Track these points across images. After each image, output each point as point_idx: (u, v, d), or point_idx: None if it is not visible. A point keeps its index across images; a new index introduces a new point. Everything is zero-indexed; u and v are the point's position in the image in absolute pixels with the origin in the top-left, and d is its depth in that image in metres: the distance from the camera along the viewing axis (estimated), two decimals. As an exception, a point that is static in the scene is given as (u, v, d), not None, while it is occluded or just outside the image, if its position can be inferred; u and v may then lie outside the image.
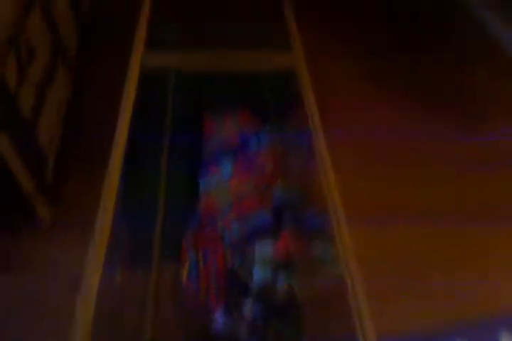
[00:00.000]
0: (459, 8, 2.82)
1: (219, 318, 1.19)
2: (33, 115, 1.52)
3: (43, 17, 1.67)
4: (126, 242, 1.20)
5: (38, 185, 1.48)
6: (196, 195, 1.46)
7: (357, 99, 2.15)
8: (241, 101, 1.73)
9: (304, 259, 1.28)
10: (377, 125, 2.04)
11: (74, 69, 1.96)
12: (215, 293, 1.24)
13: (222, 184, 1.45)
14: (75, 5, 2.06)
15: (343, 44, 2.45)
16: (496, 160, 1.96)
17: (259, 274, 1.22)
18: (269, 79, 1.71)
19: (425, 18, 2.72)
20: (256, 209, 1.41)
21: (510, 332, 1.33)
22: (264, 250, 1.27)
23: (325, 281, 1.13)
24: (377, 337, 0.91)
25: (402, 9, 2.72)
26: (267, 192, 1.49)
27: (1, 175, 1.37)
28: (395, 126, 2.05)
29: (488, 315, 1.44)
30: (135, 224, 1.29)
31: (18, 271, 1.49)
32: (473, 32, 2.66)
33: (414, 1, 2.82)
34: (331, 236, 1.04)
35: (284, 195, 1.49)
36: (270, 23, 1.67)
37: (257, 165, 1.55)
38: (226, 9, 1.87)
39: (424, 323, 1.39)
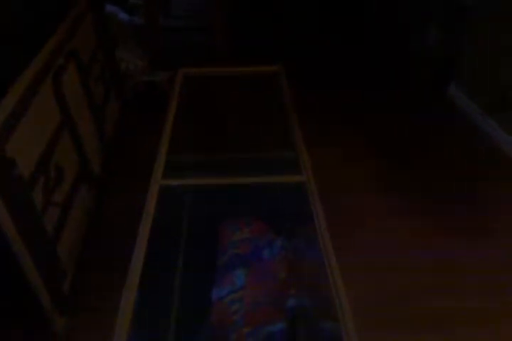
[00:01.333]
0: (458, 116, 3.00)
1: None
2: (55, 232, 1.60)
3: (70, 140, 1.84)
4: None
5: (54, 298, 1.52)
6: (209, 304, 1.48)
7: (368, 213, 2.23)
8: (254, 212, 1.82)
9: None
10: (389, 238, 2.08)
11: (96, 187, 2.09)
12: None
13: (236, 293, 1.48)
14: (99, 128, 2.25)
15: (356, 156, 2.60)
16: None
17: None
18: (281, 191, 1.80)
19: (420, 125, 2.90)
20: (269, 319, 1.42)
21: None
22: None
23: None
24: None
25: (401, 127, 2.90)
26: (280, 302, 1.50)
27: (19, 287, 1.42)
28: (402, 234, 2.09)
29: None
30: (149, 334, 1.30)
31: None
32: (471, 136, 2.80)
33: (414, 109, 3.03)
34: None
35: (297, 305, 1.50)
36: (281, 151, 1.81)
37: (270, 275, 1.58)
38: (238, 142, 2.04)
39: None
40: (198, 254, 1.74)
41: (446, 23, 3.19)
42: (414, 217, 2.19)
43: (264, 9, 4.23)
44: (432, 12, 3.33)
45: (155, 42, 3.28)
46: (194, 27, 3.65)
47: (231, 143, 2.06)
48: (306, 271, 1.58)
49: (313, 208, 1.41)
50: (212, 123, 2.32)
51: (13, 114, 1.36)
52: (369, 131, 2.81)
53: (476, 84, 2.98)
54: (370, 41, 3.77)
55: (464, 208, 2.25)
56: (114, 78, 2.70)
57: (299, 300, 1.51)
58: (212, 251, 1.72)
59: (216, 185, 1.58)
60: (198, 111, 2.21)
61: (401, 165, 2.54)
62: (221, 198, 1.73)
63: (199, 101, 2.23)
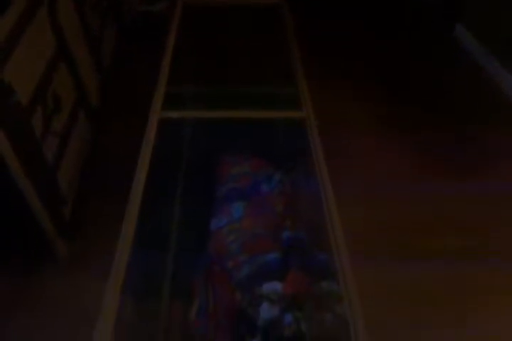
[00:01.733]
0: (460, 54, 2.94)
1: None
2: (54, 161, 1.61)
3: (67, 69, 1.80)
4: (139, 278, 1.25)
5: (56, 224, 1.56)
6: (208, 234, 1.52)
7: (366, 149, 2.23)
8: (254, 147, 1.82)
9: (311, 298, 1.31)
10: (385, 172, 2.10)
11: (94, 117, 2.07)
12: (224, 330, 1.27)
13: (233, 225, 1.51)
14: (96, 57, 2.20)
15: (354, 92, 2.57)
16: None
17: (266, 312, 1.24)
18: (281, 126, 1.80)
19: (424, 65, 2.85)
20: (265, 250, 1.46)
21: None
22: (272, 289, 1.30)
23: (332, 320, 1.16)
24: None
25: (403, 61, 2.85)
26: (276, 233, 1.54)
27: (22, 215, 1.45)
28: (401, 172, 2.11)
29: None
30: (148, 260, 1.34)
31: (31, 306, 1.53)
32: (474, 78, 2.76)
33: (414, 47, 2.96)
34: (336, 276, 1.08)
35: (292, 236, 1.54)
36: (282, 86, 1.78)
37: (267, 207, 1.61)
38: (239, 75, 2.00)
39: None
40: (197, 187, 1.76)
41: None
42: (413, 155, 2.20)
43: None
44: None
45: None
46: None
47: (231, 76, 2.02)
48: (302, 204, 1.60)
49: (312, 143, 1.41)
50: (212, 56, 2.27)
51: (8, 40, 1.33)
52: (371, 71, 2.77)
53: (481, 26, 2.90)
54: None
55: (463, 147, 2.27)
56: (111, 6, 2.61)
57: (295, 232, 1.54)
58: (210, 184, 1.73)
59: (215, 119, 1.56)
60: (198, 42, 2.15)
61: (402, 104, 2.52)
62: (220, 132, 1.72)
63: (199, 32, 2.17)
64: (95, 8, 2.29)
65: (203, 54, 2.14)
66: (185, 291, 1.41)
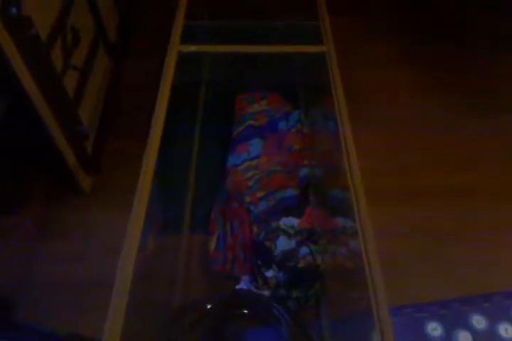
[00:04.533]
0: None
1: (244, 285, 1.28)
2: (75, 96, 1.62)
3: (86, 2, 1.77)
4: (159, 212, 1.29)
5: (79, 158, 1.59)
6: (225, 171, 1.55)
7: (387, 85, 2.19)
8: (272, 84, 1.81)
9: (326, 232, 1.34)
10: (407, 111, 2.07)
11: (114, 54, 2.06)
12: (242, 262, 1.33)
13: (251, 161, 1.53)
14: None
15: (378, 29, 2.48)
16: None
17: (282, 245, 1.29)
18: (301, 63, 1.77)
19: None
20: (283, 186, 1.48)
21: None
22: (289, 223, 1.34)
23: (346, 253, 1.19)
24: (390, 306, 0.96)
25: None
26: (294, 171, 1.56)
27: (46, 149, 1.49)
28: (426, 113, 2.07)
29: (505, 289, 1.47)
30: (168, 197, 1.38)
31: (60, 237, 1.60)
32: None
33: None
34: (352, 212, 1.10)
35: (310, 174, 1.56)
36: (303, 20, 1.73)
37: (285, 145, 1.62)
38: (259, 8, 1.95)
39: (440, 296, 1.44)
40: (215, 125, 1.78)
41: None
42: (428, 92, 2.14)
43: None
44: None
45: None
46: None
47: (251, 8, 1.96)
48: (320, 144, 1.61)
49: (332, 79, 1.38)
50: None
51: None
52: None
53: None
54: None
55: (480, 84, 2.21)
56: None
57: (312, 170, 1.56)
58: (228, 122, 1.74)
59: (234, 54, 1.53)
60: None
61: (423, 40, 2.43)
62: (237, 70, 1.71)
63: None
64: None
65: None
66: (204, 226, 1.46)
